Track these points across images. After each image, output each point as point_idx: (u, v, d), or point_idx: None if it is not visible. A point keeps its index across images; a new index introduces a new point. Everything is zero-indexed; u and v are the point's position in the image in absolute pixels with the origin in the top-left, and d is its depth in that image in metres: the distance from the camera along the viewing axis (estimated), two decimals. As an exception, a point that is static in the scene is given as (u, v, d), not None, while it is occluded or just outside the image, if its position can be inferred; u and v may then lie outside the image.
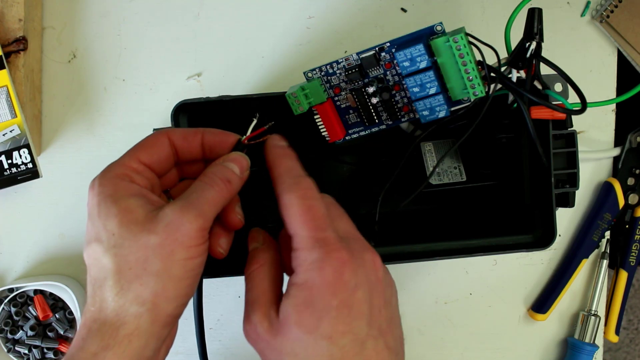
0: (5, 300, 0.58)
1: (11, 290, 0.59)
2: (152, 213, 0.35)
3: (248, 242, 0.42)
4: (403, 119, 0.49)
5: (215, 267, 0.54)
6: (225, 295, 0.63)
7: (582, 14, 0.63)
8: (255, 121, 0.41)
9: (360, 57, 0.48)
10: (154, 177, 0.39)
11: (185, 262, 0.35)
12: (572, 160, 0.54)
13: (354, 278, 0.35)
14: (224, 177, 0.38)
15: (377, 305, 0.36)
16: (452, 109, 0.47)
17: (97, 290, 0.35)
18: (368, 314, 0.36)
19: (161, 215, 0.35)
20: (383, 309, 0.37)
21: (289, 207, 0.37)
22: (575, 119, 0.54)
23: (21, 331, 0.59)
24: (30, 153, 0.56)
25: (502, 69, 0.48)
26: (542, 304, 0.64)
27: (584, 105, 0.46)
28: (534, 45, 0.46)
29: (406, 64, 0.45)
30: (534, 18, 0.46)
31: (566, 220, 0.65)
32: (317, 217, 0.36)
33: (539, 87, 0.48)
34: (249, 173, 0.40)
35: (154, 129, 0.53)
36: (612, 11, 0.62)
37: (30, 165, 0.56)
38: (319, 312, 0.34)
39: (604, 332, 0.65)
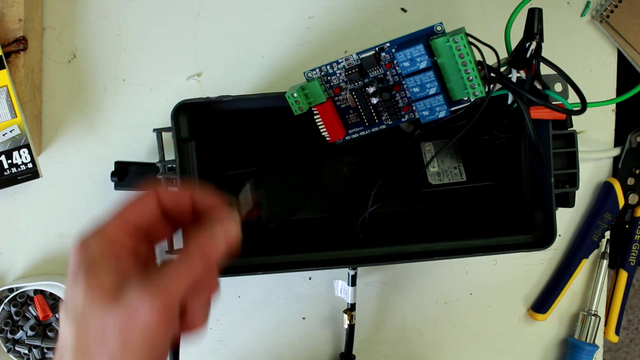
0: (5, 300, 0.58)
1: (11, 290, 0.59)
2: (119, 288, 0.34)
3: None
4: (403, 119, 0.49)
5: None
6: (225, 295, 0.63)
7: (582, 14, 0.63)
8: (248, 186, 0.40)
9: (360, 57, 0.48)
10: (140, 241, 0.38)
11: (144, 339, 0.34)
12: (572, 160, 0.54)
13: None
14: (204, 254, 0.36)
15: None
16: (452, 109, 0.47)
17: (58, 358, 0.35)
18: None
19: (125, 292, 0.34)
20: None
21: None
22: (575, 119, 0.54)
23: (21, 331, 0.59)
24: (30, 153, 0.56)
25: (502, 69, 0.48)
26: (542, 304, 0.64)
27: (584, 105, 0.46)
28: (534, 45, 0.46)
29: (406, 64, 0.45)
30: (534, 18, 0.46)
31: (566, 220, 0.65)
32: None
33: (539, 87, 0.48)
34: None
35: (154, 130, 0.54)
36: (612, 11, 0.62)
37: (30, 165, 0.56)
38: None
39: (604, 332, 0.65)
